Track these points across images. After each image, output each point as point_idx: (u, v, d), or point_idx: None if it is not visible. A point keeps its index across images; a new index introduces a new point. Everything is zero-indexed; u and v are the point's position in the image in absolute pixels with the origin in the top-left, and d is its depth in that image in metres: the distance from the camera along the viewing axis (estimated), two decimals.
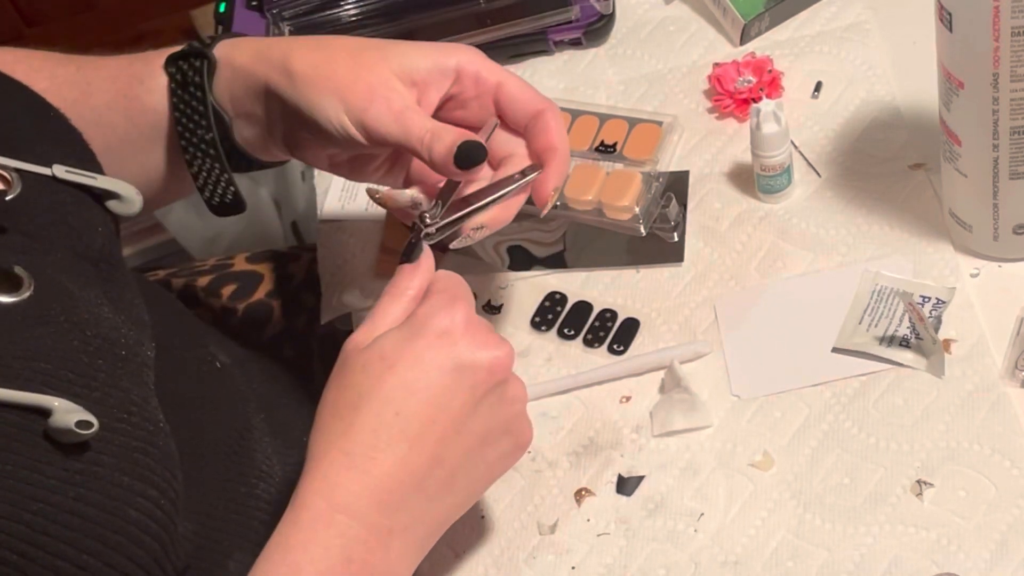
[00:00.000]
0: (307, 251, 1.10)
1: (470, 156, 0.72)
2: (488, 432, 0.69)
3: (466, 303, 0.69)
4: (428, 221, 0.74)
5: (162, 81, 0.81)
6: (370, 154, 0.80)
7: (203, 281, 1.09)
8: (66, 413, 0.61)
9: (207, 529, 0.72)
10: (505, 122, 0.78)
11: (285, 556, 0.65)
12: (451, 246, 0.75)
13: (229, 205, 0.82)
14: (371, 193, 0.78)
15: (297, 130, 0.78)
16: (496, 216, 0.76)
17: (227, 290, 1.07)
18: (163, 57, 0.81)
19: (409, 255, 0.72)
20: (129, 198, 0.77)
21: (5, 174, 0.71)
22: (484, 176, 0.76)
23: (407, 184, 0.81)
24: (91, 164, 0.78)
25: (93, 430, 0.61)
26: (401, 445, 0.66)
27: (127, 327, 0.71)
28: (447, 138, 0.72)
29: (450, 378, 0.67)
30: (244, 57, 0.79)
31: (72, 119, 0.80)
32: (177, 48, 0.80)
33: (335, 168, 0.82)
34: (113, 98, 0.84)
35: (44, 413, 0.61)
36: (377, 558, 0.66)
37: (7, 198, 0.70)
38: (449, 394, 0.67)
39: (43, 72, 0.85)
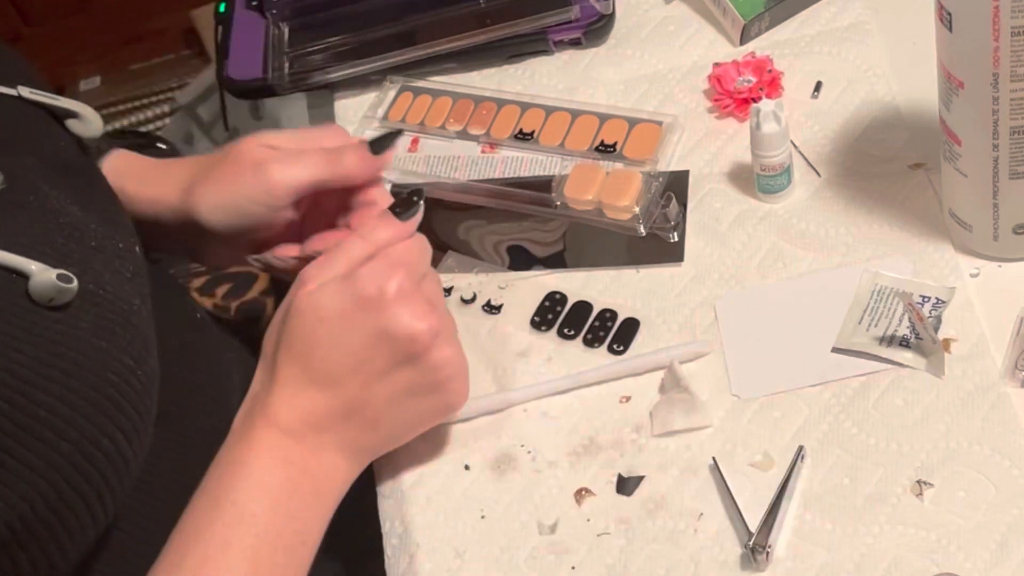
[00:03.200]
0: None
1: (382, 142, 0.84)
2: (413, 386, 0.75)
3: (405, 272, 0.74)
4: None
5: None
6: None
7: (197, 283, 1.09)
8: (45, 271, 0.64)
9: (187, 466, 0.76)
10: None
11: (230, 454, 0.73)
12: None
13: None
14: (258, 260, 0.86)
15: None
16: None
17: (221, 289, 1.08)
18: None
19: (403, 211, 0.78)
20: (88, 118, 0.81)
21: None
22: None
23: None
24: (49, 91, 0.82)
25: (74, 284, 0.65)
26: (325, 384, 0.74)
27: (96, 224, 0.74)
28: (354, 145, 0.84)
29: (372, 340, 0.73)
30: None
31: None
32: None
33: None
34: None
35: (24, 276, 0.64)
36: (310, 463, 0.73)
37: None
38: (370, 353, 0.73)
39: None
